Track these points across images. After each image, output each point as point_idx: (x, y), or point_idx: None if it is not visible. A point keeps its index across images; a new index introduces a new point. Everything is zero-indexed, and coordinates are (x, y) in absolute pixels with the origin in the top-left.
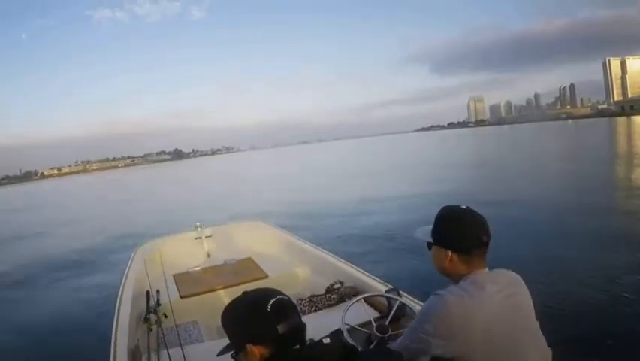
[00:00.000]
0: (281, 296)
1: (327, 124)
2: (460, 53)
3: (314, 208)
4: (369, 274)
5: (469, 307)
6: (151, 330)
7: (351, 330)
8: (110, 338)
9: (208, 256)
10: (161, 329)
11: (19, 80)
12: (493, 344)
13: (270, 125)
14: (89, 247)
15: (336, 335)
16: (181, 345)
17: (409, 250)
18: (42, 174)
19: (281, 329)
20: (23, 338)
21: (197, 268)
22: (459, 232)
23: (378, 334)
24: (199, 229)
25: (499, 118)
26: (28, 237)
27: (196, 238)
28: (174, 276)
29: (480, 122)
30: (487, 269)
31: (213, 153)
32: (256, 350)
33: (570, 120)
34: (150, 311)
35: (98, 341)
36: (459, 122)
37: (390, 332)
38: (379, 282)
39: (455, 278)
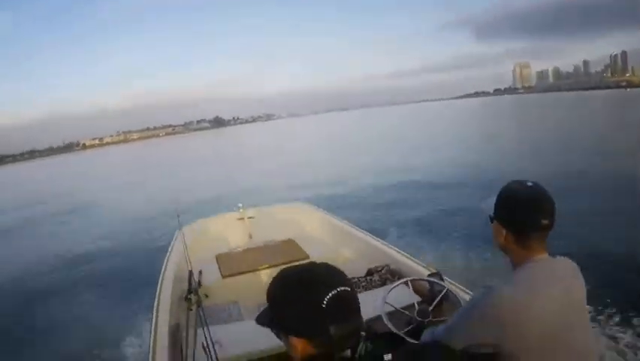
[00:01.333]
0: (342, 288)
1: (364, 91)
2: (501, 18)
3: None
4: (412, 258)
5: (523, 303)
6: (191, 309)
7: (392, 313)
8: (152, 315)
9: (250, 237)
10: (202, 307)
11: (65, 53)
12: (545, 342)
13: (306, 93)
14: (132, 222)
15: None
16: (221, 324)
17: (455, 232)
18: (83, 144)
19: (334, 330)
20: (66, 310)
21: (239, 249)
22: (516, 211)
23: (418, 318)
24: (242, 210)
25: (548, 85)
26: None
27: (238, 219)
28: (216, 256)
29: (528, 89)
30: (546, 255)
31: (254, 120)
32: (298, 344)
33: (629, 89)
34: (191, 291)
35: (140, 317)
36: (505, 89)
37: (431, 318)
38: (422, 266)
39: (512, 260)
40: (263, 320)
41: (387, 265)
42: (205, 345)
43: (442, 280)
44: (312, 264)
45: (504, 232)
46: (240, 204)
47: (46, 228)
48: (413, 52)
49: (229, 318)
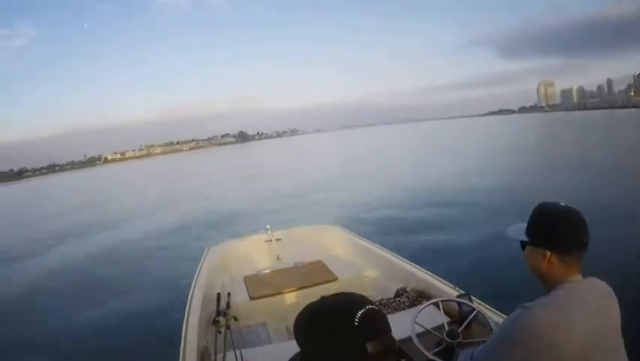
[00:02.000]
0: (370, 306)
1: (389, 106)
2: (524, 37)
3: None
4: (440, 278)
5: (560, 325)
6: (220, 332)
7: (422, 334)
8: (180, 338)
9: (278, 258)
10: (230, 330)
11: (86, 67)
12: None
13: (331, 108)
14: (160, 241)
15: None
16: (249, 347)
17: (482, 253)
18: (105, 159)
19: (371, 347)
20: (93, 335)
21: (267, 271)
22: (560, 231)
23: (448, 339)
24: (269, 231)
25: (574, 103)
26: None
27: (266, 241)
28: (244, 278)
29: (553, 107)
30: (580, 276)
31: (279, 135)
32: None
33: None
34: (220, 314)
35: (168, 341)
36: (531, 107)
37: (460, 339)
38: (450, 287)
39: (549, 283)
40: (302, 335)
41: (415, 286)
42: None
43: (471, 301)
44: (325, 297)
45: (547, 253)
46: (268, 226)
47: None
48: (437, 69)
49: (257, 340)
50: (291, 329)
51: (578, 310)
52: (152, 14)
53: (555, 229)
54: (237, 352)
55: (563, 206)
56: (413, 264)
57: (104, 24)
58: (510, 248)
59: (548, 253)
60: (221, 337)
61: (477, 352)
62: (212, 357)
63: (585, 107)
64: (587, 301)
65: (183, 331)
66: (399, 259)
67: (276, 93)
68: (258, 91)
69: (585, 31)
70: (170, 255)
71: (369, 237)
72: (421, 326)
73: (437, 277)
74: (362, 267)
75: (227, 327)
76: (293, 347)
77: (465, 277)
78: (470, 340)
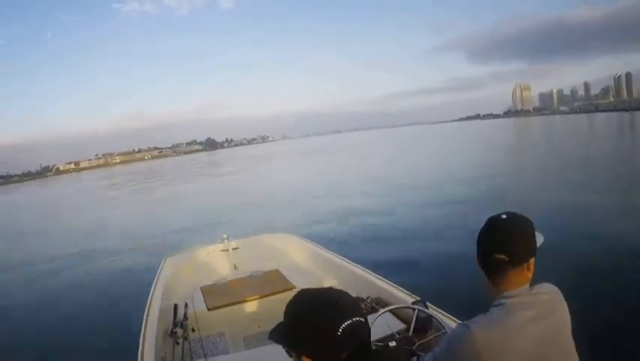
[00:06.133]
0: (357, 319)
1: (358, 113)
2: (495, 41)
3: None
4: (398, 287)
5: (499, 341)
6: (177, 343)
7: (377, 341)
8: (137, 350)
9: (235, 267)
10: (188, 341)
11: (44, 77)
12: None
13: (298, 115)
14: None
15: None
16: (208, 357)
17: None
18: (57, 169)
19: (345, 355)
20: (49, 346)
21: (224, 280)
22: (479, 249)
23: (404, 346)
24: (226, 241)
25: (564, 107)
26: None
27: (223, 250)
28: (201, 288)
29: (541, 111)
30: (522, 288)
31: (249, 142)
32: None
33: None
34: (177, 325)
35: (126, 353)
36: (516, 111)
37: (416, 345)
38: (407, 294)
39: (492, 291)
40: (276, 336)
41: (373, 295)
42: None
43: (427, 307)
44: (332, 290)
45: (483, 271)
46: (225, 235)
47: None
48: (405, 74)
49: (216, 351)
50: (249, 339)
51: (517, 326)
52: (117, 23)
53: (479, 247)
54: None
55: (491, 221)
56: (371, 272)
57: (68, 34)
58: (467, 256)
59: (483, 271)
60: (179, 348)
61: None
62: None
63: (597, 109)
64: (528, 316)
65: (140, 343)
66: (357, 267)
67: (240, 100)
68: (223, 98)
69: (554, 34)
70: (127, 265)
71: (326, 245)
72: (377, 333)
73: (395, 285)
74: (320, 276)
75: (185, 338)
76: (251, 357)
77: (423, 284)
78: (425, 340)
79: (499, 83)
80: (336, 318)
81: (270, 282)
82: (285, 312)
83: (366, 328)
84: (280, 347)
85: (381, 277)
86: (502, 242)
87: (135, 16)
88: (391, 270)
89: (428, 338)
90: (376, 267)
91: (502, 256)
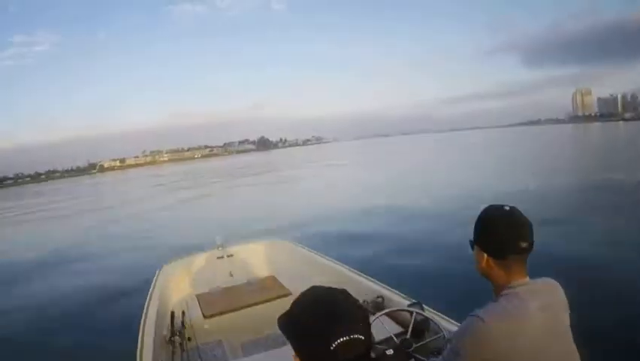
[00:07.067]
0: (356, 336)
1: (406, 116)
2: (550, 43)
3: None
4: (394, 290)
5: (512, 330)
6: (174, 352)
7: (375, 345)
8: (135, 359)
9: (231, 274)
10: (186, 349)
11: (101, 79)
12: None
13: (346, 117)
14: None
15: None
16: None
17: (436, 262)
18: (101, 166)
19: None
20: (47, 354)
21: (220, 288)
22: (495, 235)
23: (402, 348)
24: (220, 248)
25: (628, 113)
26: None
27: (218, 258)
28: (197, 296)
29: (610, 117)
30: (527, 278)
31: (304, 143)
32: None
33: None
34: (174, 333)
35: None
36: (579, 117)
37: (413, 348)
38: (403, 297)
39: (494, 285)
40: (282, 322)
41: (368, 298)
42: None
43: (423, 309)
44: (345, 295)
45: (485, 256)
46: (219, 242)
47: None
48: (461, 77)
49: (214, 358)
50: (247, 346)
51: (528, 315)
52: (169, 22)
53: (489, 234)
54: None
55: (504, 209)
56: (366, 276)
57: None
58: (462, 256)
59: (485, 255)
60: (177, 357)
61: None
62: None
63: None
64: (536, 305)
65: (138, 352)
66: (353, 272)
67: (291, 100)
68: (273, 97)
69: (611, 36)
70: (124, 272)
71: (319, 249)
72: (373, 337)
73: (390, 288)
74: (315, 281)
75: (182, 346)
76: None
77: (418, 286)
78: (423, 348)
79: (555, 88)
80: (335, 331)
81: (265, 288)
82: (292, 304)
83: (363, 345)
84: (279, 353)
85: (378, 281)
86: (525, 230)
87: (187, 17)
88: (387, 273)
89: (425, 341)
90: (372, 271)
91: (525, 245)
